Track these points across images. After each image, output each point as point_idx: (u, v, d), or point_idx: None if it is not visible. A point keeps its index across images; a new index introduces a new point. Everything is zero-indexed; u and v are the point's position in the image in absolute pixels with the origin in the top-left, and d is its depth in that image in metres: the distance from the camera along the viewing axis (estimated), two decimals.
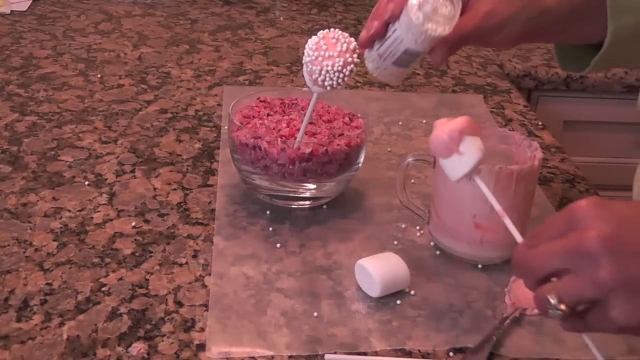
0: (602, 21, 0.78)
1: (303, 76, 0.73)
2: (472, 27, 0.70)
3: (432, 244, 0.78)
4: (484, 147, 0.61)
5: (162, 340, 0.63)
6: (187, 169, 0.90)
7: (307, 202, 0.82)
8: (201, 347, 0.63)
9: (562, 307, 0.50)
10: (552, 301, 0.50)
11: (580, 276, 0.49)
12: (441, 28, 0.67)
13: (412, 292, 0.71)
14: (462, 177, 0.61)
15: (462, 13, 0.71)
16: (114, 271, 0.71)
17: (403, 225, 0.81)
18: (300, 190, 0.80)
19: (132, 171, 0.89)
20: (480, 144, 0.61)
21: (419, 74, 1.22)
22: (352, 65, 0.70)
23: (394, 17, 0.68)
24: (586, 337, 0.55)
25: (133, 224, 0.78)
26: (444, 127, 0.61)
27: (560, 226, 0.52)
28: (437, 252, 0.77)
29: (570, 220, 0.51)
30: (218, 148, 0.95)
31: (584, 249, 0.49)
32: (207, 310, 0.67)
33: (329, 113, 0.85)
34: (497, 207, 0.60)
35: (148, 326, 0.65)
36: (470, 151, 0.61)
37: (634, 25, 0.76)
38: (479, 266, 0.75)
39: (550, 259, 0.51)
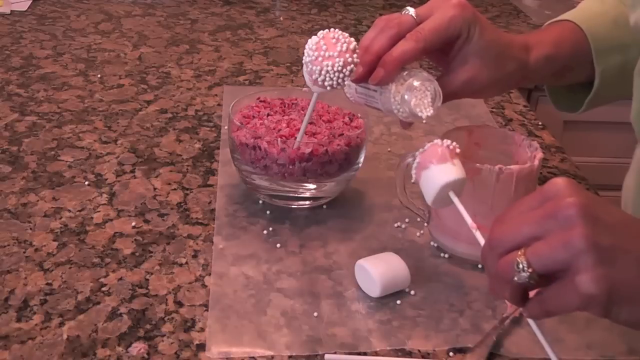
0: (587, 66, 0.80)
1: (303, 76, 0.73)
2: (448, 92, 0.71)
3: (432, 244, 0.78)
4: (453, 172, 0.64)
5: (162, 340, 0.63)
6: (187, 169, 0.90)
7: (307, 202, 0.82)
8: (201, 347, 0.63)
9: (530, 270, 0.50)
10: (521, 264, 0.50)
11: (551, 238, 0.50)
12: (412, 118, 0.70)
13: (412, 292, 0.71)
14: (434, 204, 0.65)
15: (443, 73, 0.73)
16: (114, 271, 0.71)
17: (403, 225, 0.81)
18: (300, 190, 0.80)
19: (132, 171, 0.89)
20: (448, 170, 0.64)
21: None
22: (352, 65, 0.70)
23: (381, 84, 0.70)
24: (539, 334, 0.56)
25: (133, 224, 0.78)
26: (415, 160, 0.66)
27: (532, 202, 0.52)
28: (437, 252, 0.77)
29: (545, 194, 0.52)
30: (218, 148, 0.95)
31: (560, 213, 0.49)
32: (207, 310, 0.67)
33: (329, 113, 0.85)
34: (469, 221, 0.62)
35: (148, 326, 0.65)
36: (428, 185, 0.64)
37: (619, 64, 0.79)
38: (479, 266, 0.75)
39: (523, 226, 0.51)
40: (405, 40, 0.69)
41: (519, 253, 0.50)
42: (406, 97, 0.69)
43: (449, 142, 0.65)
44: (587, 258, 0.48)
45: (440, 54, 0.73)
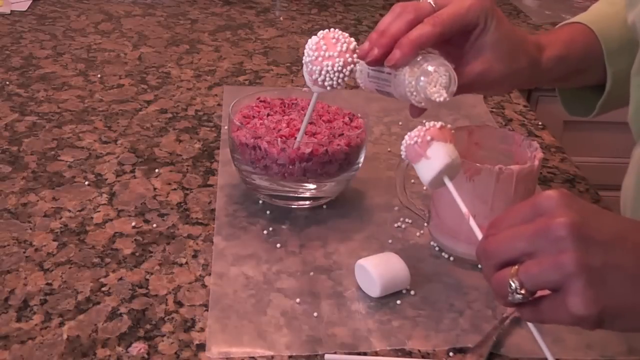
0: (599, 69, 0.80)
1: (303, 76, 0.73)
2: (461, 84, 0.70)
3: (432, 244, 0.78)
4: (455, 153, 0.64)
5: (162, 340, 0.63)
6: (187, 169, 0.90)
7: (307, 202, 0.82)
8: (201, 347, 0.63)
9: (523, 291, 0.50)
10: (513, 285, 0.51)
11: (543, 259, 0.50)
12: (425, 103, 0.69)
13: (412, 292, 0.71)
14: (431, 181, 0.64)
15: (457, 65, 0.71)
16: (114, 271, 0.72)
17: (403, 226, 0.81)
18: (300, 190, 0.80)
19: (132, 171, 0.89)
20: (451, 150, 0.64)
21: None
22: (352, 65, 0.70)
23: (396, 68, 0.69)
24: (536, 334, 0.56)
25: (133, 224, 0.78)
26: (413, 133, 0.65)
27: (525, 213, 0.52)
28: (437, 252, 0.77)
29: (537, 208, 0.52)
30: (218, 148, 0.95)
31: (552, 233, 0.49)
32: (207, 310, 0.67)
33: (329, 113, 0.85)
34: (464, 209, 0.62)
35: (148, 326, 0.65)
36: (438, 156, 0.63)
37: (631, 65, 0.78)
38: (479, 266, 0.74)
39: (516, 242, 0.51)
40: (422, 24, 0.68)
41: (512, 272, 0.51)
42: (421, 82, 0.67)
43: (418, 136, 0.64)
44: (577, 281, 0.48)
45: (453, 47, 0.72)
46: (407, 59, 0.67)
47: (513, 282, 0.51)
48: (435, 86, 0.67)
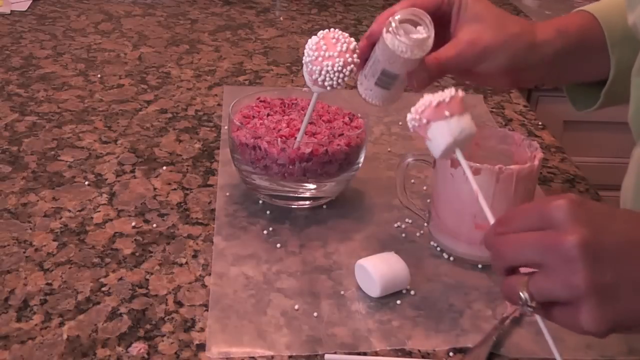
0: (600, 58, 0.79)
1: (303, 76, 0.73)
2: (452, 55, 0.71)
3: (432, 244, 0.78)
4: (459, 126, 0.60)
5: (162, 340, 0.63)
6: (187, 169, 0.90)
7: (307, 202, 0.82)
8: (201, 347, 0.63)
9: (533, 303, 0.51)
10: (523, 297, 0.51)
11: (553, 276, 0.50)
12: (410, 52, 0.68)
13: (412, 292, 0.71)
14: (441, 157, 0.62)
15: (446, 42, 0.71)
16: (114, 271, 0.72)
17: (403, 225, 0.81)
18: (300, 190, 0.80)
19: (132, 171, 0.89)
20: (454, 124, 0.60)
21: None
22: (352, 65, 0.70)
23: (374, 37, 0.70)
24: (547, 334, 0.56)
25: (133, 224, 0.78)
26: (411, 115, 0.61)
27: (534, 219, 0.52)
28: (437, 252, 0.77)
29: (547, 216, 0.51)
30: (218, 148, 0.95)
31: (562, 251, 0.49)
32: (207, 310, 0.67)
33: (329, 113, 0.85)
34: (475, 186, 0.60)
35: (148, 326, 0.65)
36: (437, 137, 0.60)
37: (634, 56, 0.77)
38: (479, 266, 0.75)
39: (524, 250, 0.51)
40: (398, 3, 0.71)
41: (522, 282, 0.51)
42: (399, 33, 0.67)
43: (414, 119, 0.61)
44: (589, 300, 0.49)
45: (441, 36, 0.73)
46: (381, 26, 0.68)
47: (523, 294, 0.51)
48: (413, 28, 0.68)
